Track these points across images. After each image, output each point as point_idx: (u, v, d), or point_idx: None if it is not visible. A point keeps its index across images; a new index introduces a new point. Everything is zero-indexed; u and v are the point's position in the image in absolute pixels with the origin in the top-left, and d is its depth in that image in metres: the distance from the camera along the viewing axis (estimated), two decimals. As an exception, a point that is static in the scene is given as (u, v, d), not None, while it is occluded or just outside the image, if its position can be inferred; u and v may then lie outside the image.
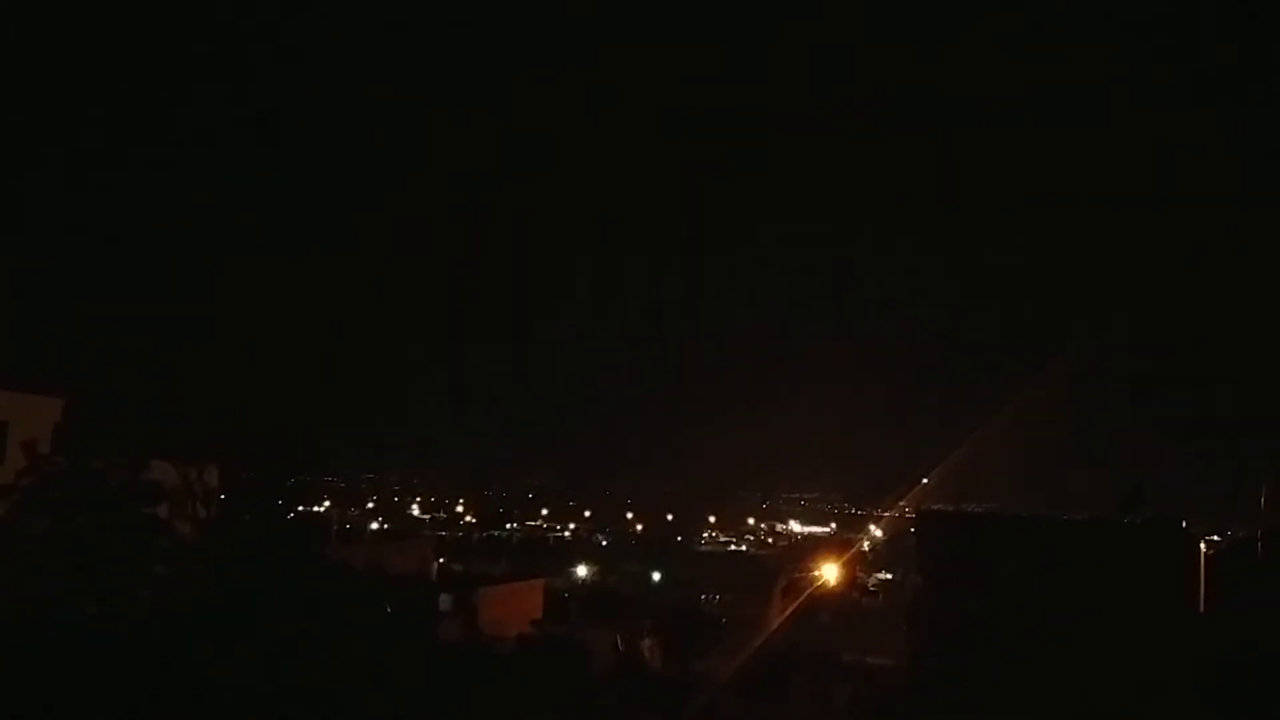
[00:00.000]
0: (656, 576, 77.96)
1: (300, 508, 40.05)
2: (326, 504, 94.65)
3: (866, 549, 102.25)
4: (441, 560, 64.87)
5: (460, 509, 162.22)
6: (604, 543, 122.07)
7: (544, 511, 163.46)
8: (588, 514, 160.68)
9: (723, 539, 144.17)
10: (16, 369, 38.08)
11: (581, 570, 77.97)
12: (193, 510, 29.48)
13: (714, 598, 67.18)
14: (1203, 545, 30.99)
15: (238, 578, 26.43)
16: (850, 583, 72.44)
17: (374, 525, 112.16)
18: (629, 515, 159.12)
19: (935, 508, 43.46)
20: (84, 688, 21.35)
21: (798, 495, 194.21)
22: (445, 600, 47.51)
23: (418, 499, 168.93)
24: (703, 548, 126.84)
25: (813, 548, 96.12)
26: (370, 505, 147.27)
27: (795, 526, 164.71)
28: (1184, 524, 31.70)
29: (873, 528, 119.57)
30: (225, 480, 31.45)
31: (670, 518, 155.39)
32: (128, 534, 26.40)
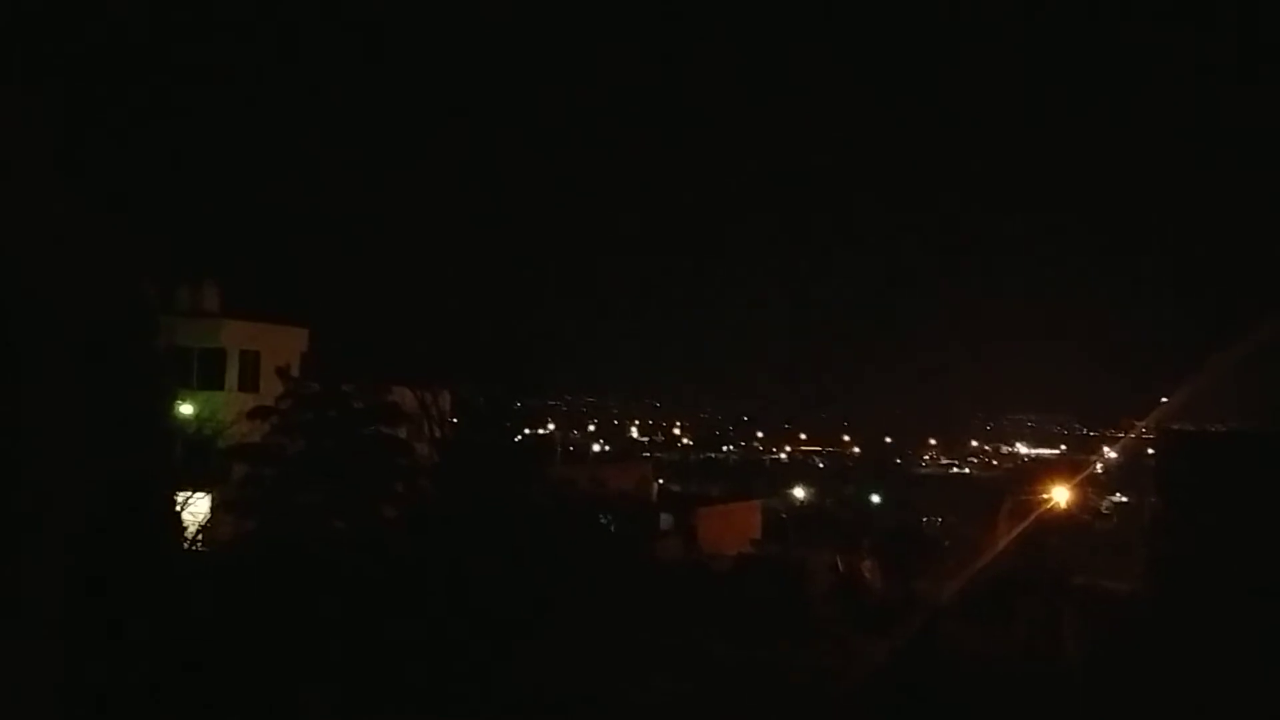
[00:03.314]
0: (875, 499, 77.07)
1: (527, 429, 41.83)
2: (551, 426, 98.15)
3: (1099, 471, 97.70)
4: (660, 481, 66.37)
5: (677, 431, 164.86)
6: (821, 465, 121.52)
7: (759, 434, 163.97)
8: (804, 436, 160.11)
9: (944, 461, 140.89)
10: (266, 303, 41.30)
11: (799, 492, 77.85)
12: (429, 432, 31.33)
13: (935, 520, 65.89)
14: None
15: (472, 494, 27.97)
16: (1081, 506, 69.52)
17: (595, 447, 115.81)
18: (845, 438, 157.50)
19: (1177, 427, 40.93)
20: (337, 597, 23.21)
21: (1024, 416, 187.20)
22: (665, 519, 48.78)
23: (636, 422, 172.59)
24: (923, 470, 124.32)
25: (1040, 470, 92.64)
26: (591, 428, 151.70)
27: (1022, 448, 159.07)
28: None
29: (1106, 449, 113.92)
30: (457, 403, 33.19)
31: (888, 440, 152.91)
32: (373, 453, 28.30)
